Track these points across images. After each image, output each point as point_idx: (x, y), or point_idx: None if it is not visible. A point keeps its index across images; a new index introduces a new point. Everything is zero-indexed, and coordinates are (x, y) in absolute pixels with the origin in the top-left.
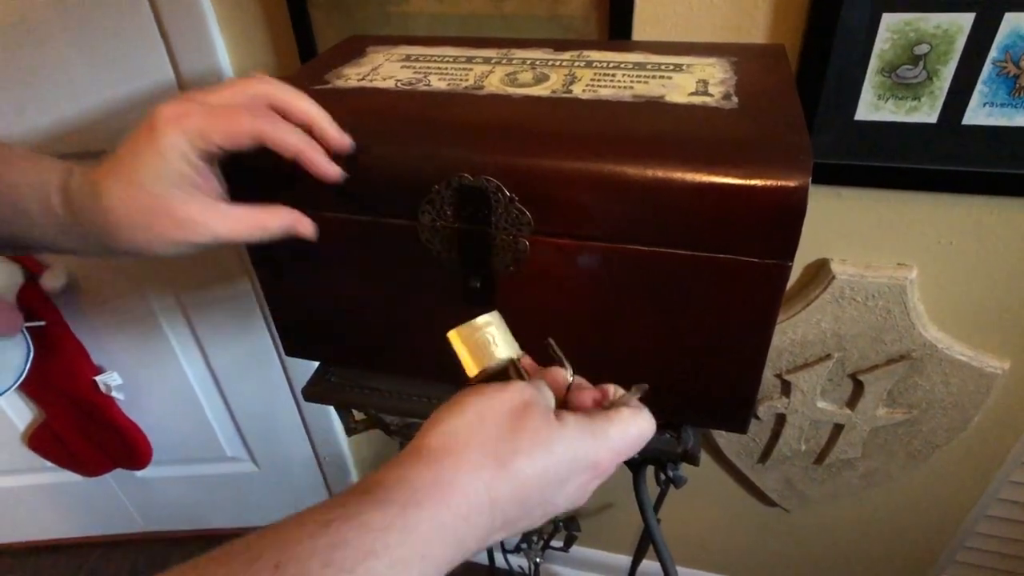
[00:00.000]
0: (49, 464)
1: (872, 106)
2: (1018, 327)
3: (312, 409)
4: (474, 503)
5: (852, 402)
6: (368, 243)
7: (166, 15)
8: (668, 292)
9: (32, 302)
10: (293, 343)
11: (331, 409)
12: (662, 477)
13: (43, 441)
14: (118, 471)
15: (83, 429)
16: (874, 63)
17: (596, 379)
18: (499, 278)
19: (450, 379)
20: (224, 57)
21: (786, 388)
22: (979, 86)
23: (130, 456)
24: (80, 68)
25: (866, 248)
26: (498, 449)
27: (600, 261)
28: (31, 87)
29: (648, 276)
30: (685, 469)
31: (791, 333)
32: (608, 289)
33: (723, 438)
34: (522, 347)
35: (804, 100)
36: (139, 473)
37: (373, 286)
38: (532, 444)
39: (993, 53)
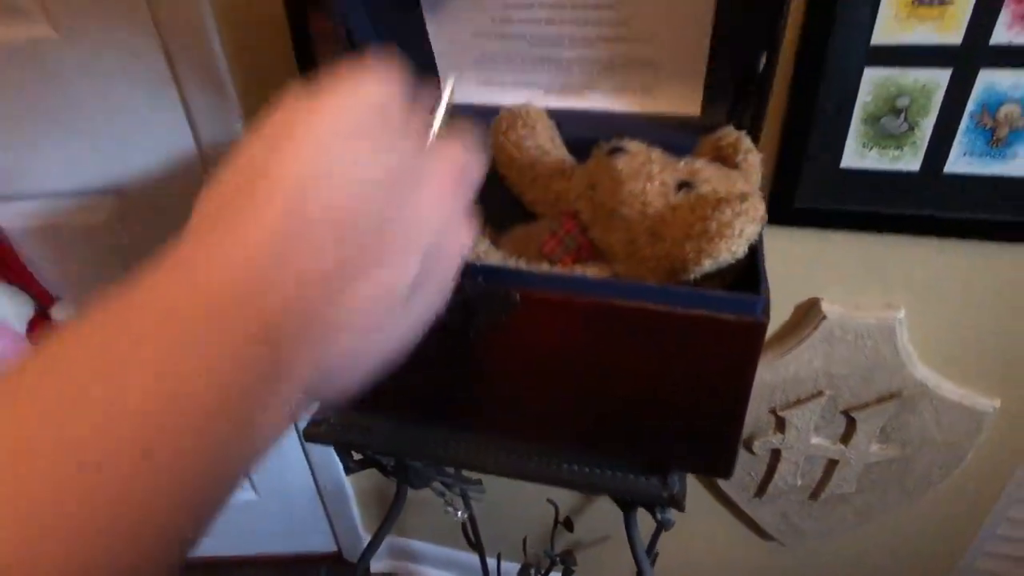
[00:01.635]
0: None
1: (857, 154)
2: (1006, 366)
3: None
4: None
5: (845, 438)
6: None
7: (184, 80)
8: (650, 345)
9: (41, 333)
10: None
11: None
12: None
13: None
14: None
15: None
16: (858, 114)
17: (580, 425)
18: (492, 329)
19: (444, 422)
20: (239, 123)
21: (780, 424)
22: (958, 137)
23: None
24: (98, 115)
25: (855, 289)
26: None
27: (586, 314)
28: (49, 128)
29: (631, 329)
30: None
31: (784, 370)
32: (594, 340)
33: None
34: (509, 397)
35: (792, 148)
36: None
37: None
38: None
39: (970, 106)
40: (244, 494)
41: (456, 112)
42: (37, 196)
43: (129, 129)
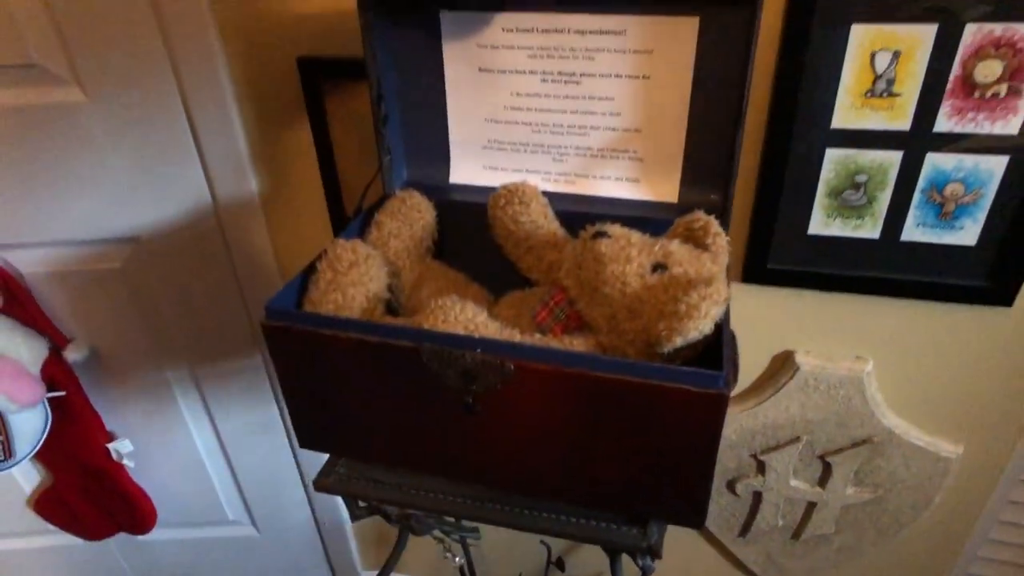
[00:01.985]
0: (51, 527)
1: (823, 223)
2: (967, 415)
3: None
4: None
5: (823, 481)
6: (379, 360)
7: (204, 139)
8: (628, 412)
9: (54, 373)
10: (306, 438)
11: None
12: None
13: (49, 505)
14: (120, 534)
15: (91, 494)
16: (822, 188)
17: (568, 480)
18: (488, 394)
19: (446, 476)
20: (254, 183)
21: (761, 467)
22: (912, 209)
23: (135, 521)
24: (120, 170)
25: (826, 342)
26: None
27: (572, 384)
28: (70, 182)
29: (612, 398)
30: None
31: (763, 417)
32: (579, 406)
33: None
34: (504, 454)
35: (764, 217)
36: (140, 536)
37: (381, 395)
38: None
39: (920, 183)
40: (245, 530)
41: (462, 192)
42: (56, 244)
43: (149, 183)
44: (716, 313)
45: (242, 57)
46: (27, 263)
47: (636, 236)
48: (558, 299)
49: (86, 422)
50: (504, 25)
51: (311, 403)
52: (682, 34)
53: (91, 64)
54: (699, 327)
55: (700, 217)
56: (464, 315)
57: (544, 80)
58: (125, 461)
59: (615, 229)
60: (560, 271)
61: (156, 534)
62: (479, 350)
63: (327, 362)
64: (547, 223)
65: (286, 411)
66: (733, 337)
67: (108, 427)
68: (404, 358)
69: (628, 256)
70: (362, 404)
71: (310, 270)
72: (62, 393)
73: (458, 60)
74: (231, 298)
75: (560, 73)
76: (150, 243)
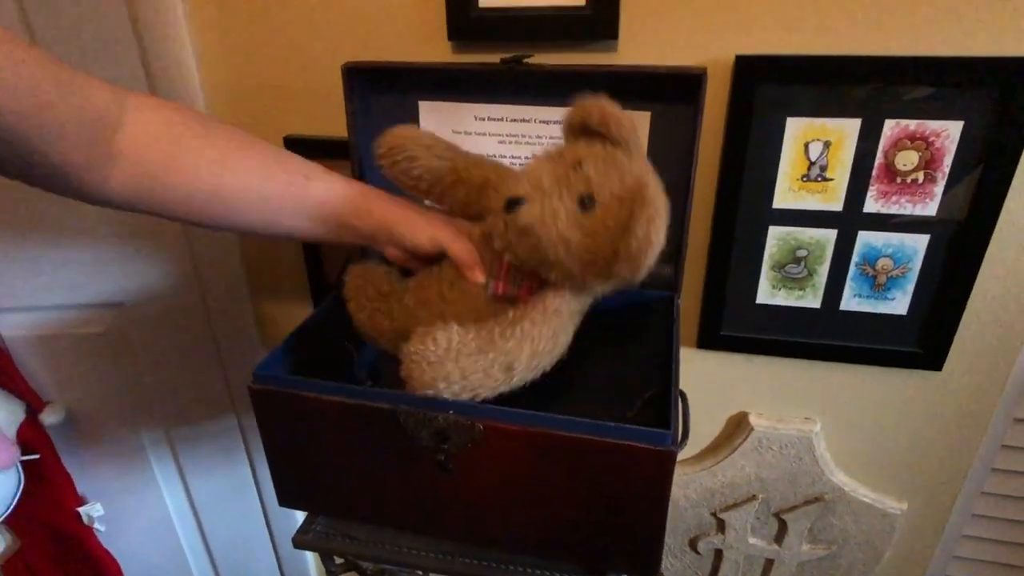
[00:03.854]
0: None
1: (769, 293)
2: (910, 472)
3: (285, 542)
4: None
5: (779, 538)
6: (358, 421)
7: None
8: (587, 467)
9: (29, 436)
10: (287, 496)
11: None
12: None
13: (15, 572)
14: None
15: (59, 559)
16: (767, 261)
17: (534, 533)
18: (460, 453)
19: (420, 531)
20: (237, 254)
21: (721, 525)
22: (848, 281)
23: None
24: (106, 240)
25: (777, 404)
26: None
27: (536, 442)
28: (55, 250)
29: (572, 454)
30: None
31: (720, 476)
32: (543, 462)
33: (668, 572)
34: (474, 510)
35: (715, 288)
36: None
37: (360, 454)
38: None
39: (855, 258)
40: None
41: None
42: (40, 309)
43: (134, 250)
44: (663, 226)
45: (226, 116)
46: (9, 326)
47: (546, 174)
48: (505, 267)
49: (58, 486)
50: (476, 114)
51: (293, 462)
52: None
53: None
54: (655, 251)
55: (592, 111)
56: (439, 348)
57: (512, 163)
58: (96, 525)
59: (522, 184)
60: (487, 224)
61: None
62: (451, 412)
63: (310, 423)
64: (444, 161)
65: (259, 472)
66: (682, 397)
67: (80, 490)
68: (382, 419)
69: (554, 211)
70: (342, 463)
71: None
72: (36, 456)
73: None
74: (210, 362)
75: (527, 157)
76: (134, 309)
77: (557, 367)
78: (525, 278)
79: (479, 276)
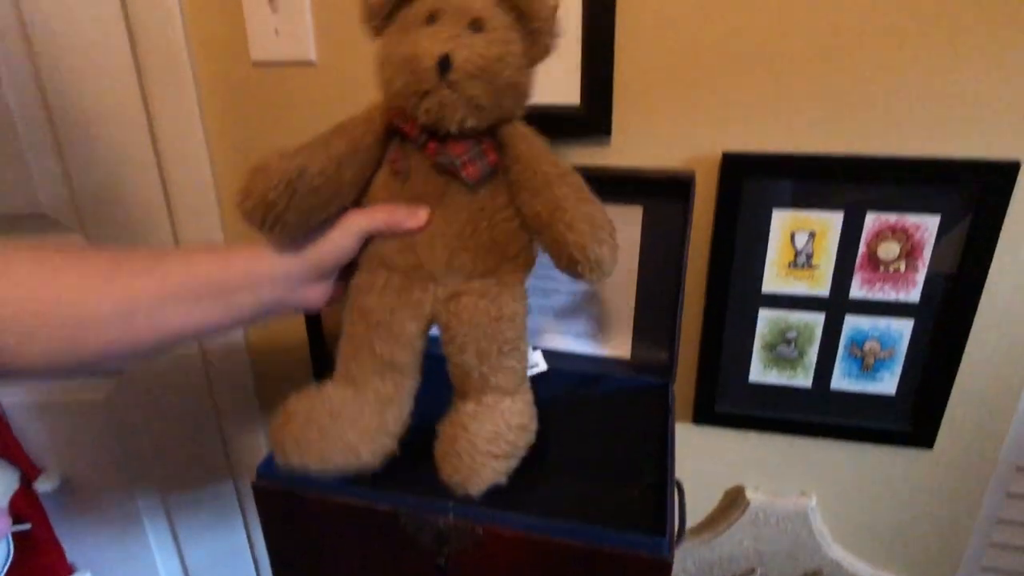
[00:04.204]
0: None
1: (761, 372)
2: (906, 548)
3: None
4: None
5: None
6: (360, 521)
7: None
8: (584, 573)
9: (22, 505)
10: None
11: None
12: None
13: None
14: None
15: None
16: (758, 343)
17: None
18: (460, 555)
19: None
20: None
21: None
22: (837, 362)
23: None
24: None
25: (773, 478)
26: None
27: (535, 546)
28: None
29: (569, 559)
30: None
31: (719, 549)
32: (541, 566)
33: None
34: None
35: (709, 367)
36: None
37: (362, 553)
38: None
39: (843, 340)
40: None
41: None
42: None
43: None
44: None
45: (236, 214)
46: (8, 393)
47: (422, 36)
48: (460, 147)
49: (48, 555)
50: None
51: (295, 557)
52: (629, 219)
53: (95, 214)
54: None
55: None
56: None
57: None
58: None
59: (417, 52)
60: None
61: None
62: (451, 516)
63: (312, 520)
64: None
65: (254, 537)
66: (678, 488)
67: (71, 558)
68: (384, 520)
69: (472, 44)
70: (343, 560)
71: None
72: (27, 526)
73: None
74: (210, 430)
75: None
76: (134, 376)
77: (557, 445)
78: (481, 142)
79: (422, 215)
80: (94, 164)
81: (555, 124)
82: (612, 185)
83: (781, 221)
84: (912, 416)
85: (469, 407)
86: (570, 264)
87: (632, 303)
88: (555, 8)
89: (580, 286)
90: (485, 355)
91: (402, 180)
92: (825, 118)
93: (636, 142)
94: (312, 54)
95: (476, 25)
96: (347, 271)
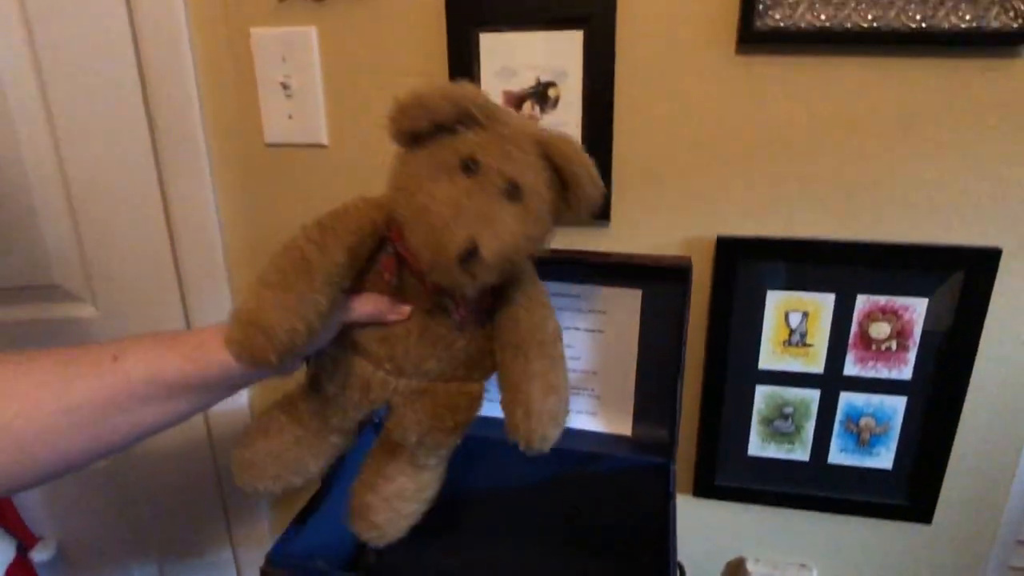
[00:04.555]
0: None
1: (759, 447)
2: None
3: None
4: None
5: None
6: None
7: None
8: None
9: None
10: None
11: None
12: None
13: None
14: None
15: None
16: (756, 417)
17: None
18: None
19: None
20: (245, 395)
21: None
22: (834, 437)
23: None
24: None
25: (774, 550)
26: None
27: None
28: None
29: None
30: None
31: None
32: None
33: None
34: None
35: (709, 441)
36: None
37: None
38: None
39: (839, 416)
40: None
41: None
42: None
43: None
44: (580, 147)
45: (246, 279)
46: None
47: (454, 192)
48: (463, 304)
49: None
50: None
51: None
52: (628, 301)
53: (107, 286)
54: (594, 169)
55: (439, 104)
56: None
57: None
58: None
59: (442, 214)
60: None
61: None
62: None
63: None
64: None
65: None
66: (680, 570)
67: None
68: None
69: (501, 222)
70: None
71: None
72: None
73: None
74: (211, 497)
75: None
76: (137, 447)
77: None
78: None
79: (405, 310)
80: (108, 238)
81: None
82: (613, 270)
83: (775, 302)
84: (909, 491)
85: (390, 468)
86: (513, 437)
87: (632, 381)
88: (601, 197)
89: (582, 364)
90: (425, 443)
91: (391, 287)
92: (816, 204)
93: (634, 226)
94: (324, 137)
95: (513, 192)
96: None
